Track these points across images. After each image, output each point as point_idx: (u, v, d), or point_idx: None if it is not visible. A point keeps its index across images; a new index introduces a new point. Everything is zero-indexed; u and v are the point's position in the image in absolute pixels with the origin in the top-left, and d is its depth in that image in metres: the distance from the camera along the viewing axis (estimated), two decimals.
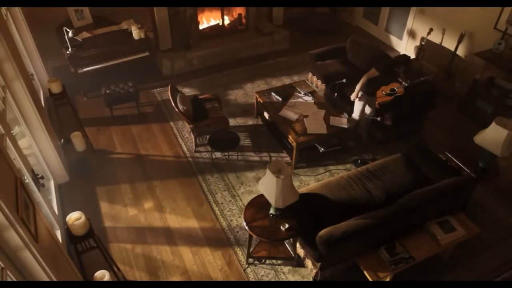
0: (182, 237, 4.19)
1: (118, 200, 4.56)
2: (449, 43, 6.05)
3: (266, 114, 5.38)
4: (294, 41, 7.37)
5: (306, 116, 4.99)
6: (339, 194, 3.90)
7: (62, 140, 4.89)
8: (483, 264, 3.98)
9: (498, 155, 3.88)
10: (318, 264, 3.55)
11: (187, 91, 6.12)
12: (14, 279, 2.31)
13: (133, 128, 5.54)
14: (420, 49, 6.18)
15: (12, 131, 3.58)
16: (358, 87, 4.70)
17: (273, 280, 3.84)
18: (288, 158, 5.07)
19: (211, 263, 3.98)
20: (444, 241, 3.64)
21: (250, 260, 3.97)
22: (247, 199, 4.43)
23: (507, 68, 5.08)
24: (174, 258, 4.01)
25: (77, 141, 4.67)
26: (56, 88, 4.70)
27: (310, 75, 6.18)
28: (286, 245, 4.02)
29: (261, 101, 5.33)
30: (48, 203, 3.89)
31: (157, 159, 5.10)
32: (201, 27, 6.62)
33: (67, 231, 3.16)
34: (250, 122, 5.66)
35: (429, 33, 6.12)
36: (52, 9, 5.78)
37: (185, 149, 5.23)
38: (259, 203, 3.71)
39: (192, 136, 5.12)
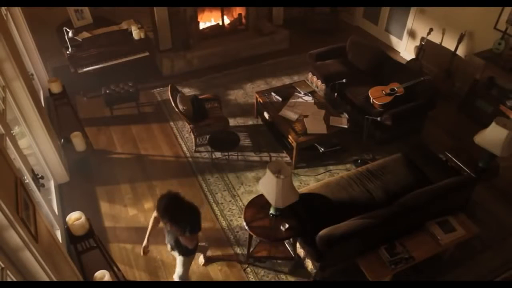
0: None
1: (118, 200, 4.56)
2: (449, 43, 6.05)
3: (266, 114, 5.38)
4: (294, 41, 7.37)
5: (306, 116, 4.99)
6: (339, 194, 3.90)
7: (62, 140, 4.88)
8: (483, 264, 3.98)
9: (498, 155, 3.88)
10: (318, 264, 3.55)
11: (187, 91, 6.12)
12: (14, 279, 2.31)
13: (133, 128, 5.54)
14: (420, 49, 6.18)
15: (12, 131, 3.58)
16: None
17: (273, 280, 3.84)
18: (288, 158, 5.07)
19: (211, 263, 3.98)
20: (444, 241, 3.64)
21: (250, 260, 3.97)
22: (247, 199, 4.42)
23: (507, 68, 5.08)
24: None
25: (77, 141, 4.68)
26: (56, 88, 4.71)
27: (310, 75, 6.18)
28: (286, 245, 4.02)
29: (261, 101, 5.33)
30: (48, 203, 3.89)
31: (157, 159, 5.10)
32: (201, 27, 6.62)
33: (67, 231, 3.16)
34: (250, 122, 5.66)
35: (429, 33, 6.12)
36: (52, 9, 5.78)
37: (185, 149, 5.23)
38: (259, 203, 3.72)
39: (192, 136, 5.12)
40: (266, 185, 3.31)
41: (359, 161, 4.98)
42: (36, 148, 4.18)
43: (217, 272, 3.90)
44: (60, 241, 3.74)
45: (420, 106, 5.07)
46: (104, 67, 5.89)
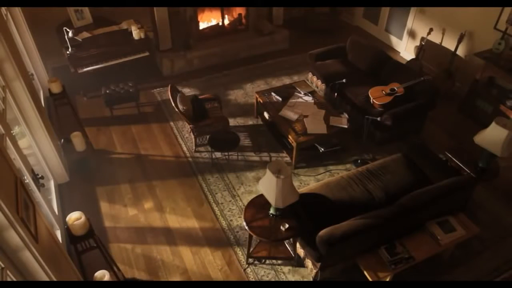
0: (182, 237, 4.19)
1: (118, 200, 4.56)
2: (449, 43, 6.05)
3: (266, 114, 5.38)
4: (294, 41, 7.37)
5: (306, 116, 4.99)
6: (339, 194, 3.91)
7: (62, 140, 4.89)
8: (483, 264, 3.98)
9: (498, 155, 3.88)
10: (318, 264, 3.55)
11: (187, 91, 6.12)
12: (14, 279, 2.31)
13: (133, 128, 5.54)
14: (420, 49, 6.18)
15: (12, 131, 3.58)
16: None
17: (273, 280, 3.84)
18: (288, 158, 5.07)
19: (211, 263, 3.98)
20: (444, 241, 3.64)
21: (250, 260, 3.97)
22: (247, 199, 4.43)
23: (507, 68, 5.08)
24: (174, 258, 4.01)
25: (77, 141, 4.68)
26: (56, 88, 4.71)
27: (310, 75, 6.18)
28: (286, 245, 4.02)
29: (261, 101, 5.33)
30: (48, 203, 3.89)
31: (157, 159, 5.10)
32: (201, 27, 6.62)
33: (67, 231, 3.16)
34: (250, 122, 5.66)
35: (429, 33, 6.12)
36: (52, 9, 5.79)
37: (185, 149, 5.23)
38: (259, 203, 3.72)
39: (192, 136, 5.13)
40: (266, 185, 3.31)
41: (359, 161, 4.98)
42: (36, 148, 4.18)
43: (217, 272, 3.90)
44: (60, 241, 3.74)
45: (420, 106, 5.07)
46: (104, 67, 5.89)
